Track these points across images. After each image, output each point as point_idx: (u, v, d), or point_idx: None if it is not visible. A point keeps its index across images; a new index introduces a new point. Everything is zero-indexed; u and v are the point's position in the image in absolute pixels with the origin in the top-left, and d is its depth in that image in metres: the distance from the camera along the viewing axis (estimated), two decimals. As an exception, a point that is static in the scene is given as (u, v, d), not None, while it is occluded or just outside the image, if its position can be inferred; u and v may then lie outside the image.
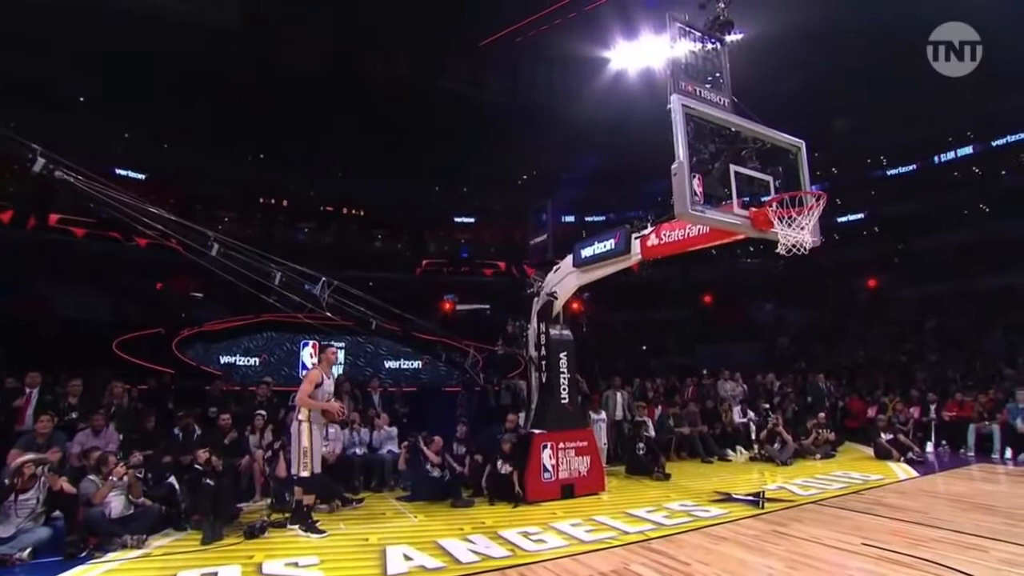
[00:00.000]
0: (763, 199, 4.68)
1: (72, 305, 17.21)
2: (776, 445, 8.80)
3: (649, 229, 5.63)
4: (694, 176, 4.11)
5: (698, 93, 4.97)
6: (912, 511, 5.54)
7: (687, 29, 5.20)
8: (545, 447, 6.54)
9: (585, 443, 6.83)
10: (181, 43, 20.24)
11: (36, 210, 22.41)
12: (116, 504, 4.80)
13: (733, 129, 4.73)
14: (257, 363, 18.16)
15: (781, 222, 4.43)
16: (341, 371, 20.60)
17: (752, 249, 29.45)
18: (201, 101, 22.71)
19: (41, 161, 4.55)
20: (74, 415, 6.24)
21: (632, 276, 33.05)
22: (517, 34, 23.07)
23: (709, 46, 5.31)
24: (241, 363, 17.76)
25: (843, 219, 25.71)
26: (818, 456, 8.87)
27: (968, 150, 23.75)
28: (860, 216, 25.69)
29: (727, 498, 6.38)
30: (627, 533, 5.02)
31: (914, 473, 7.63)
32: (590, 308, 29.31)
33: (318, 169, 29.64)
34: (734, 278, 27.19)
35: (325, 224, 32.45)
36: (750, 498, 6.25)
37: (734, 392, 10.87)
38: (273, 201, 30.86)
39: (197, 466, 5.39)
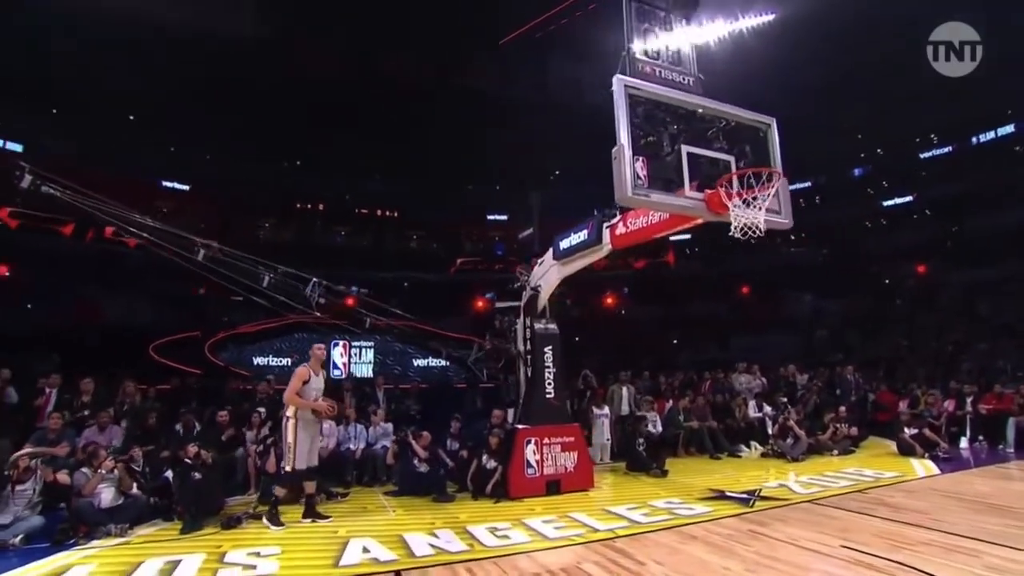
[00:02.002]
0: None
1: (121, 311, 18.42)
2: (789, 440, 8.37)
3: (617, 218, 5.46)
4: (637, 159, 3.96)
5: (658, 74, 4.79)
6: (913, 512, 5.15)
7: (649, 7, 5.02)
8: (529, 442, 6.47)
9: (572, 439, 6.71)
10: (217, 58, 21.25)
11: (94, 223, 24.10)
12: (106, 495, 5.10)
13: (690, 109, 4.52)
14: (289, 363, 18.86)
15: (742, 203, 4.19)
16: (372, 369, 21.19)
17: (793, 238, 28.21)
18: (239, 112, 23.75)
19: (28, 177, 4.87)
20: (85, 412, 6.67)
21: (666, 270, 32.19)
22: (539, 29, 22.86)
23: (675, 24, 5.11)
24: (274, 363, 18.51)
25: (890, 202, 24.14)
26: (835, 452, 8.38)
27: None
28: (908, 199, 23.98)
29: (720, 496, 6.13)
30: (597, 531, 4.90)
31: (935, 471, 7.08)
32: (623, 302, 28.92)
33: (353, 173, 30.34)
34: (773, 268, 26.09)
35: (361, 227, 33.24)
36: (743, 496, 5.99)
37: (749, 385, 10.42)
38: (310, 206, 31.75)
39: (187, 460, 5.66)
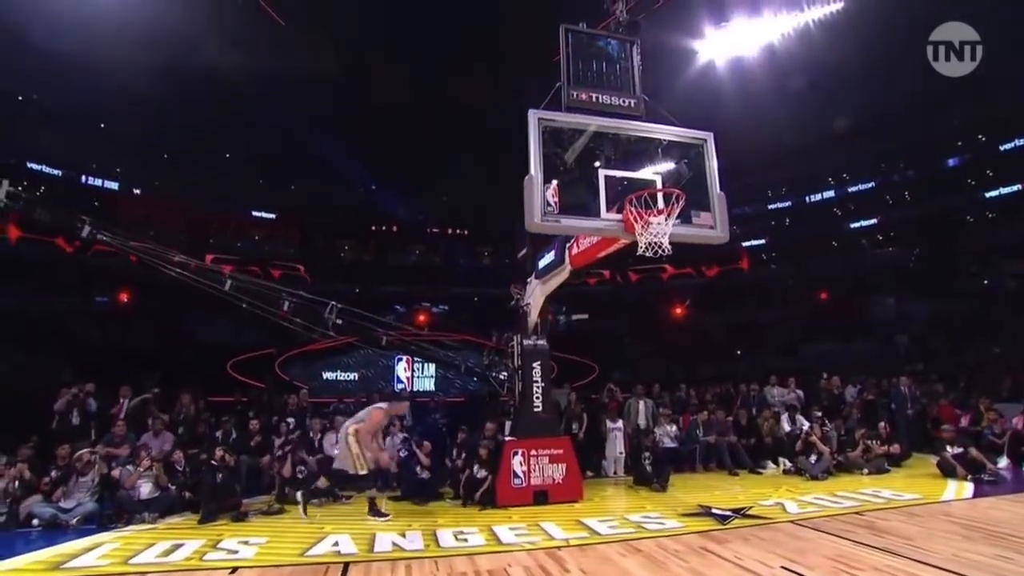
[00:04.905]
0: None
1: (214, 332, 20.85)
2: (812, 458, 7.90)
3: (573, 239, 5.66)
4: (549, 186, 4.21)
5: (595, 99, 5.00)
6: (895, 537, 4.81)
7: (588, 34, 5.26)
8: (516, 454, 6.74)
9: (560, 451, 6.89)
10: (296, 96, 23.60)
11: (198, 253, 27.54)
12: (145, 489, 6.11)
13: (619, 133, 4.69)
14: (355, 378, 20.33)
15: (665, 221, 4.30)
16: (434, 384, 22.16)
17: (881, 238, 25.78)
18: (316, 145, 26.13)
19: (87, 228, 6.03)
20: (150, 420, 7.90)
21: (739, 276, 30.57)
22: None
23: (619, 47, 5.30)
24: (341, 378, 20.02)
25: (992, 193, 21.31)
26: (866, 471, 7.77)
27: None
28: (1017, 187, 20.97)
29: (704, 512, 6.04)
30: (553, 539, 5.11)
31: (967, 495, 6.40)
32: (691, 311, 27.92)
33: (424, 194, 31.93)
34: (859, 271, 24.04)
35: (433, 245, 34.87)
36: (727, 513, 5.87)
37: (783, 398, 9.87)
38: (384, 228, 33.79)
39: (213, 462, 6.59)
